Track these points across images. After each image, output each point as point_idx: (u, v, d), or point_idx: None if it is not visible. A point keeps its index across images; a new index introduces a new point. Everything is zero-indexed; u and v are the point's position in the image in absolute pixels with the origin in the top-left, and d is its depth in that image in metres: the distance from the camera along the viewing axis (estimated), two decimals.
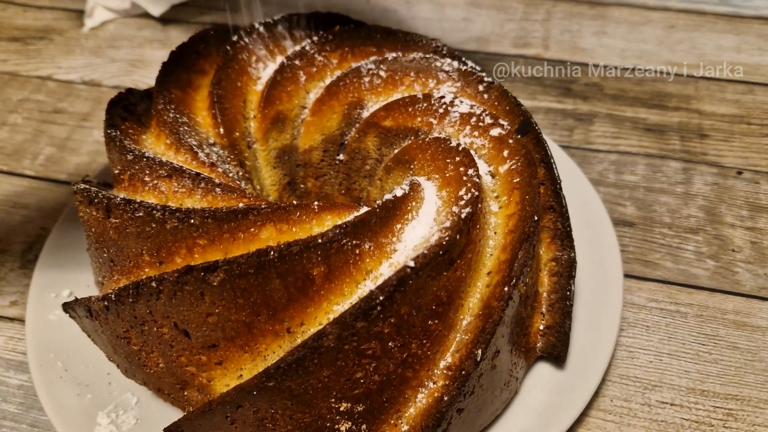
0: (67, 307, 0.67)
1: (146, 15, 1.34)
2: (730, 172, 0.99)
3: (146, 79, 1.21)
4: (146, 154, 0.66)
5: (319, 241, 0.55)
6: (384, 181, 0.78)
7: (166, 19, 1.33)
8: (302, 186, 0.84)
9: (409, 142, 0.74)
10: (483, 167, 0.69)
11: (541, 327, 0.69)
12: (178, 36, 1.30)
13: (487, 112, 0.72)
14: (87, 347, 0.71)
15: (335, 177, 0.83)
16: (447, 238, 0.56)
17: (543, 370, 0.71)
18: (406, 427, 0.58)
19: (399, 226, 0.60)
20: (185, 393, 0.62)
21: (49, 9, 1.38)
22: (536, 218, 0.62)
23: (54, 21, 1.35)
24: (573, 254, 0.70)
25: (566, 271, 0.70)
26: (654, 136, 1.05)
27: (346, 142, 0.81)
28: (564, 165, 0.89)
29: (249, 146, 0.79)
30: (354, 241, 0.56)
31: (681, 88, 1.14)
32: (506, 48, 1.25)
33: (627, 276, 0.85)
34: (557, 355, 0.69)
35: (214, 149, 0.74)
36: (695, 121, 1.07)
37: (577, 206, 0.83)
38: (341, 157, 0.81)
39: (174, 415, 0.65)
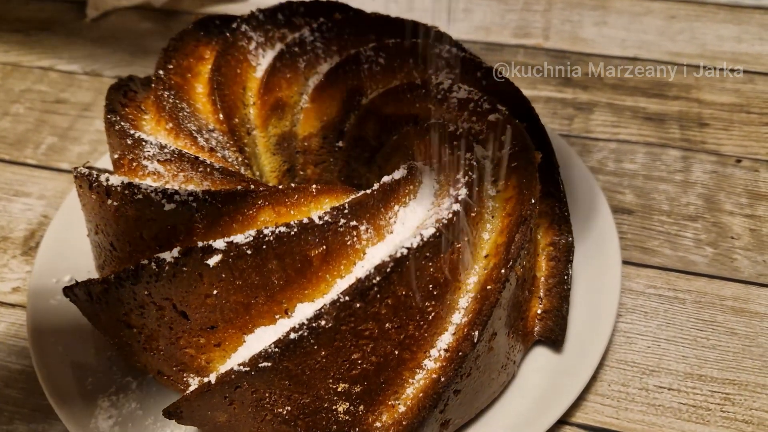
0: (67, 290, 0.67)
1: (147, 6, 1.34)
2: (729, 161, 0.99)
3: (147, 69, 1.19)
4: (145, 139, 0.66)
5: (317, 222, 0.56)
6: (383, 167, 0.78)
7: (167, 10, 1.34)
8: (302, 173, 0.84)
9: (408, 128, 0.75)
10: (481, 152, 0.69)
11: (539, 311, 0.70)
12: (179, 27, 1.28)
13: (485, 98, 0.72)
14: (88, 331, 0.72)
15: (335, 164, 0.83)
16: (444, 221, 0.57)
17: (540, 354, 0.71)
18: (403, 408, 0.59)
19: (397, 208, 0.60)
20: (184, 375, 0.63)
21: (51, 0, 1.38)
22: (533, 201, 0.63)
23: (56, 12, 1.35)
24: (571, 239, 0.70)
25: (564, 255, 0.70)
26: (654, 125, 1.05)
27: (345, 129, 0.81)
28: (563, 153, 0.89)
29: (248, 132, 0.79)
30: (352, 223, 0.57)
31: (681, 78, 1.13)
32: (506, 38, 1.25)
33: (625, 263, 0.85)
34: (555, 339, 0.69)
35: (214, 135, 0.74)
36: (695, 110, 1.07)
37: (576, 194, 0.84)
38: (340, 144, 0.82)
39: (174, 398, 0.65)
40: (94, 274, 0.79)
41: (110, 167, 0.75)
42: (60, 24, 1.33)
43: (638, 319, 0.80)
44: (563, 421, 0.71)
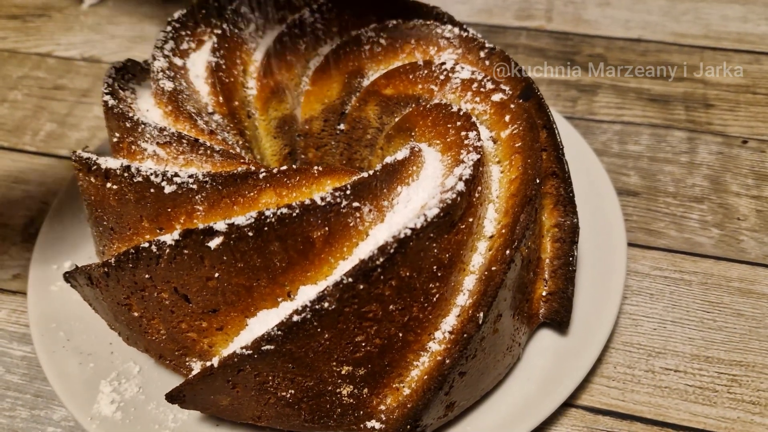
0: (68, 275, 0.66)
1: None
2: (736, 141, 0.98)
3: (146, 55, 1.18)
4: (144, 121, 0.65)
5: (319, 203, 0.55)
6: (385, 150, 0.77)
7: None
8: (303, 156, 0.83)
9: (410, 109, 0.74)
10: (485, 133, 0.68)
11: (544, 293, 0.69)
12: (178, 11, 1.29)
13: (488, 78, 0.71)
14: (89, 317, 0.71)
15: (336, 147, 0.82)
16: (448, 201, 0.56)
17: (546, 336, 0.70)
18: (407, 391, 0.58)
19: (400, 188, 0.59)
20: (187, 359, 0.62)
21: None
22: (538, 181, 0.62)
23: None
24: (576, 220, 0.69)
25: (569, 236, 0.69)
26: (658, 106, 1.04)
27: (346, 112, 0.80)
28: (568, 135, 0.88)
29: (249, 116, 0.78)
30: (354, 204, 0.56)
31: (686, 58, 1.12)
32: (509, 20, 1.23)
33: (631, 245, 0.84)
34: (560, 321, 0.68)
35: (213, 118, 0.73)
36: (700, 91, 1.06)
37: (581, 176, 0.83)
38: (342, 126, 0.81)
39: (176, 383, 0.64)
40: (95, 260, 0.78)
41: (109, 153, 0.74)
42: (57, 10, 1.31)
43: (644, 301, 0.79)
44: (569, 403, 0.70)
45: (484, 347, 0.59)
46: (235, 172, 0.58)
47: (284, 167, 0.59)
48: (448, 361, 0.56)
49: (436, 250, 0.56)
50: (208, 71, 0.76)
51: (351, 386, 0.57)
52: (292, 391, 0.57)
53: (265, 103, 0.79)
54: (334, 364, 0.56)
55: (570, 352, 0.69)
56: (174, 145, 0.64)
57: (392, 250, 0.53)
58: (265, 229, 0.54)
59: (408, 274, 0.55)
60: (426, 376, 0.57)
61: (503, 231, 0.61)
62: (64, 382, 0.68)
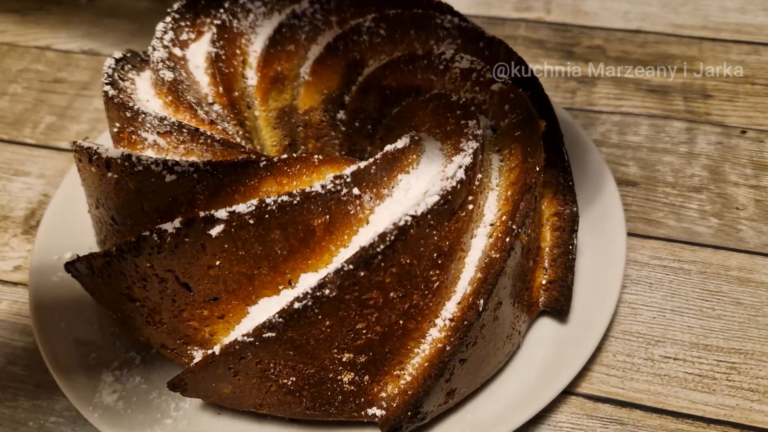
0: (69, 266, 0.67)
1: None
2: (734, 132, 0.98)
3: (145, 47, 1.17)
4: (145, 111, 0.65)
5: (320, 191, 0.55)
6: (385, 140, 0.77)
7: None
8: (303, 147, 0.84)
9: (410, 99, 0.74)
10: (484, 122, 0.69)
11: (544, 281, 0.69)
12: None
13: (488, 68, 0.71)
14: (90, 307, 0.71)
15: (336, 137, 0.82)
16: (448, 189, 0.56)
17: (546, 324, 0.71)
18: (408, 378, 0.58)
19: (400, 176, 0.60)
20: (188, 348, 0.63)
21: None
22: (538, 169, 0.62)
23: None
24: (575, 208, 0.69)
25: (569, 225, 0.69)
26: (657, 97, 1.04)
27: (346, 102, 0.80)
28: (567, 126, 0.88)
29: (249, 106, 0.78)
30: (355, 192, 0.56)
31: (685, 49, 1.12)
32: (508, 12, 1.23)
33: (630, 234, 0.84)
34: (560, 310, 0.69)
35: (214, 108, 0.73)
36: (699, 82, 1.06)
37: (580, 166, 0.83)
38: (342, 117, 0.81)
39: (178, 371, 0.64)
40: (96, 250, 0.78)
41: (109, 145, 0.74)
42: (56, 3, 1.31)
43: (643, 290, 0.79)
44: (568, 391, 0.71)
45: (485, 335, 0.60)
46: (236, 160, 0.59)
47: (285, 156, 0.60)
48: (448, 348, 0.57)
49: (436, 238, 0.56)
50: (208, 62, 0.76)
51: (352, 373, 0.58)
52: (294, 379, 0.57)
53: (264, 94, 0.79)
54: (335, 351, 0.56)
55: (570, 340, 0.69)
56: (174, 134, 0.64)
57: (393, 238, 0.53)
58: (266, 216, 0.54)
59: (408, 261, 0.55)
60: (427, 363, 0.58)
61: (503, 219, 0.61)
62: (65, 372, 0.68)
